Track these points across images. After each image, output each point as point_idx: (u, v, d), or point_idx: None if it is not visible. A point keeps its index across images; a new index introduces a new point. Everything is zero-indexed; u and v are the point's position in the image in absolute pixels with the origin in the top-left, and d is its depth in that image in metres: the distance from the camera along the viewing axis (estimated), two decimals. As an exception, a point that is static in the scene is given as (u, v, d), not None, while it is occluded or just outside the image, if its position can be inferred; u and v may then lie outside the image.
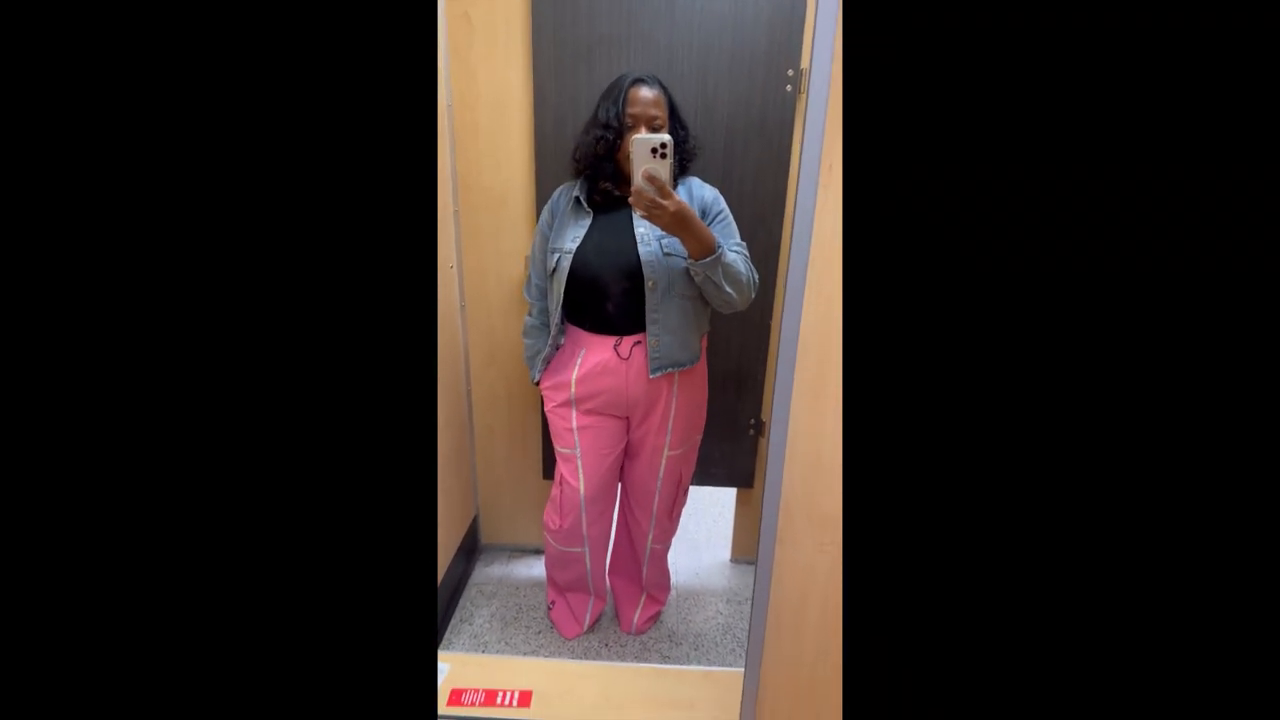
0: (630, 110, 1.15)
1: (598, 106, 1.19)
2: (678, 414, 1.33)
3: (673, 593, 1.75)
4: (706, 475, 1.73)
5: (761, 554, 0.81)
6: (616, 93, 1.16)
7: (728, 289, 1.15)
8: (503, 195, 1.52)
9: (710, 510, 2.16)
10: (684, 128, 1.23)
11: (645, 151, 1.01)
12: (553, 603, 1.59)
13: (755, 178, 1.46)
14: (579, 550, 1.44)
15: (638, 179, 1.02)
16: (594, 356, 1.26)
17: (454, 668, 1.00)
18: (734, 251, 1.17)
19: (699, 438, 1.41)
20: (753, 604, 0.87)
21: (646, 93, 1.16)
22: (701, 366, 1.34)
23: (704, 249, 1.10)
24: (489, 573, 1.80)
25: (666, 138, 1.01)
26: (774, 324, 1.59)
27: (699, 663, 1.52)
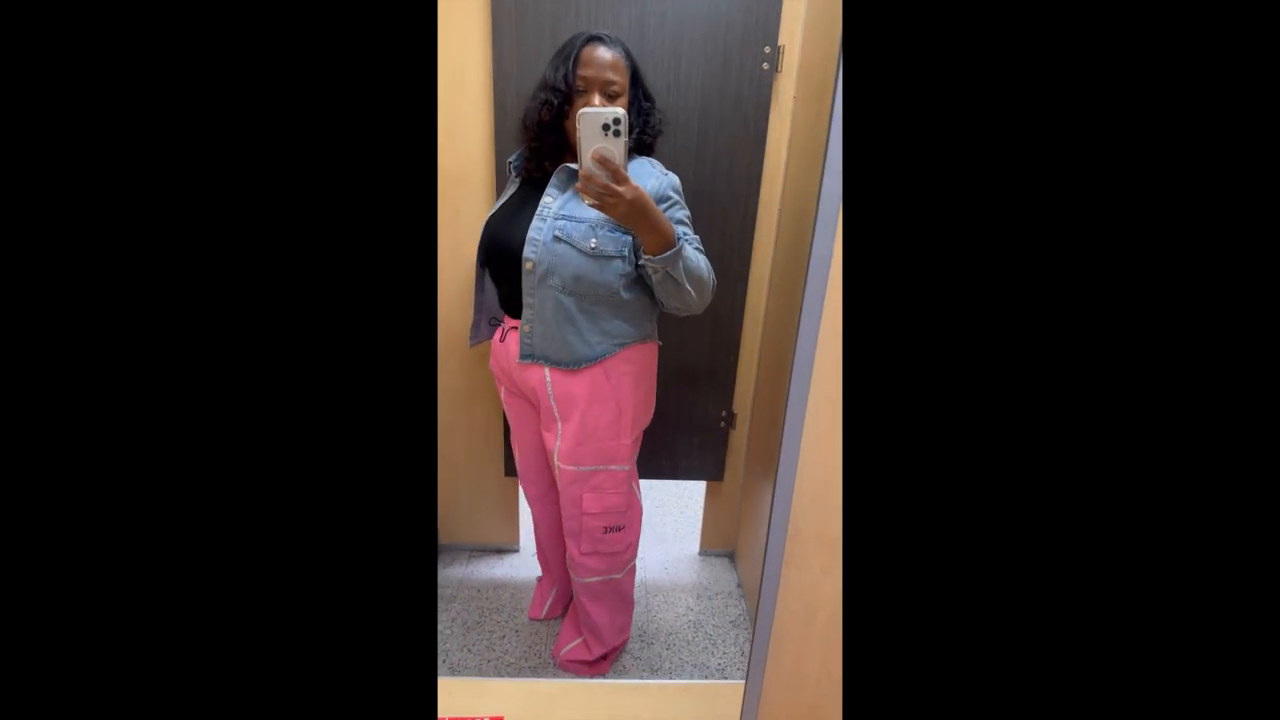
0: (582, 72, 0.99)
1: (548, 67, 1.03)
2: (564, 419, 1.15)
3: (642, 589, 1.71)
4: (677, 469, 1.68)
5: (767, 578, 0.76)
6: (568, 51, 1.00)
7: (688, 288, 0.99)
8: (459, 175, 1.41)
9: (678, 503, 2.12)
10: (649, 99, 1.08)
11: (596, 127, 0.84)
12: (539, 579, 1.61)
13: (730, 159, 1.40)
14: (548, 505, 1.42)
15: (586, 161, 0.85)
16: (495, 334, 1.22)
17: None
18: (692, 246, 1.02)
19: (608, 470, 1.19)
20: (754, 631, 0.82)
21: (604, 53, 1.00)
22: (593, 378, 1.11)
23: (663, 242, 0.94)
24: (448, 574, 1.71)
25: (620, 111, 0.84)
26: (747, 314, 1.54)
27: (671, 662, 1.49)
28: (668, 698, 0.96)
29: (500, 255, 1.08)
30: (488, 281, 1.22)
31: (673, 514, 2.06)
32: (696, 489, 2.12)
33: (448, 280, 1.49)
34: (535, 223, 1.03)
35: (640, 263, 1.00)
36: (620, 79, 1.01)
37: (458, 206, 1.44)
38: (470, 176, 1.42)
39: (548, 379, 1.13)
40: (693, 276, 0.99)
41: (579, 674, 1.40)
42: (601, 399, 1.13)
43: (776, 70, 1.34)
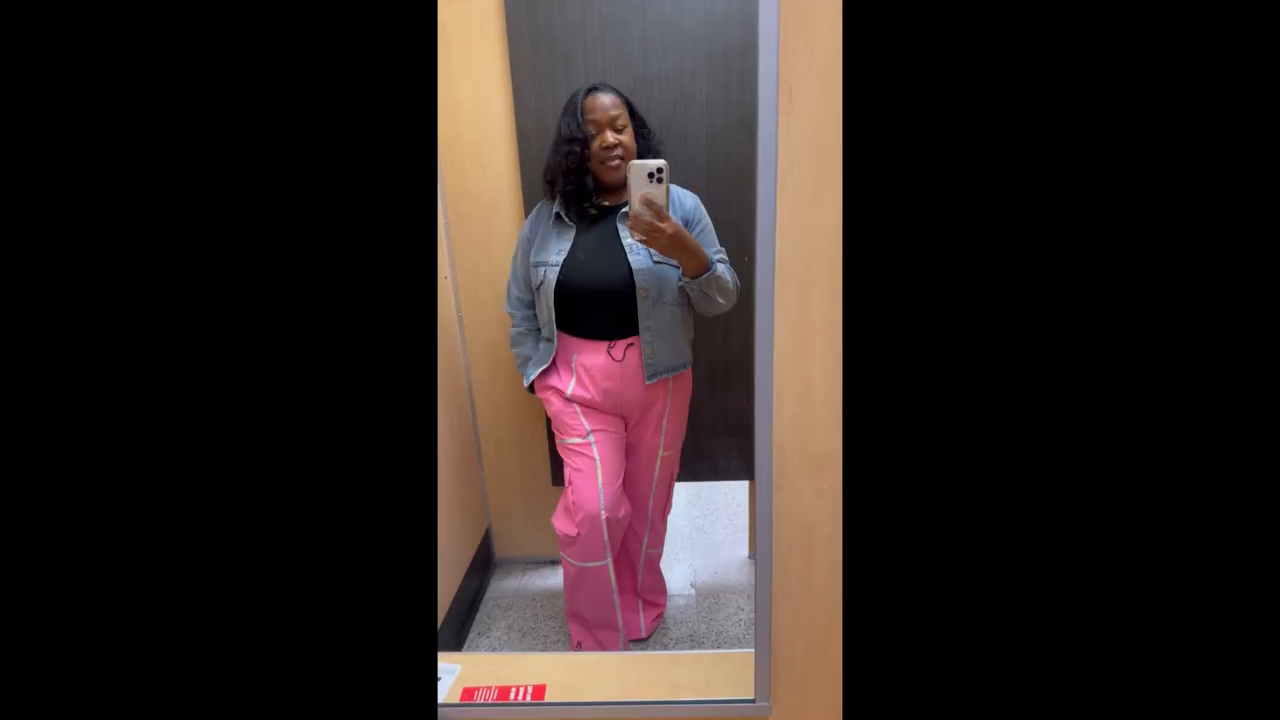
0: (590, 118, 1.19)
1: (559, 124, 1.23)
2: (671, 415, 1.36)
3: (693, 591, 1.72)
4: (718, 470, 1.71)
5: (759, 505, 0.79)
6: (573, 106, 1.20)
7: (719, 299, 1.22)
8: (492, 202, 1.54)
9: (727, 508, 2.13)
10: (646, 128, 1.26)
11: (642, 176, 1.05)
12: (579, 644, 1.44)
13: (738, 172, 1.47)
14: (602, 563, 1.31)
15: (635, 204, 1.06)
16: (587, 359, 1.28)
17: (466, 667, 0.98)
18: (719, 260, 1.22)
19: (682, 439, 1.44)
20: (756, 562, 0.85)
21: (603, 98, 1.19)
22: (690, 369, 1.37)
23: (699, 266, 1.16)
24: (504, 586, 1.77)
25: (662, 162, 1.04)
26: (771, 310, 1.58)
27: (723, 660, 1.49)
28: (703, 665, 0.98)
29: (599, 292, 1.23)
30: (555, 330, 1.30)
31: (720, 519, 2.07)
32: (740, 492, 2.12)
33: (486, 300, 1.60)
34: (632, 257, 1.22)
35: (680, 283, 1.23)
36: (622, 114, 1.20)
37: (492, 233, 1.56)
38: (500, 203, 1.54)
39: (670, 388, 1.33)
40: (723, 289, 1.21)
41: (650, 629, 1.59)
42: (690, 382, 1.40)
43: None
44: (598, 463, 1.31)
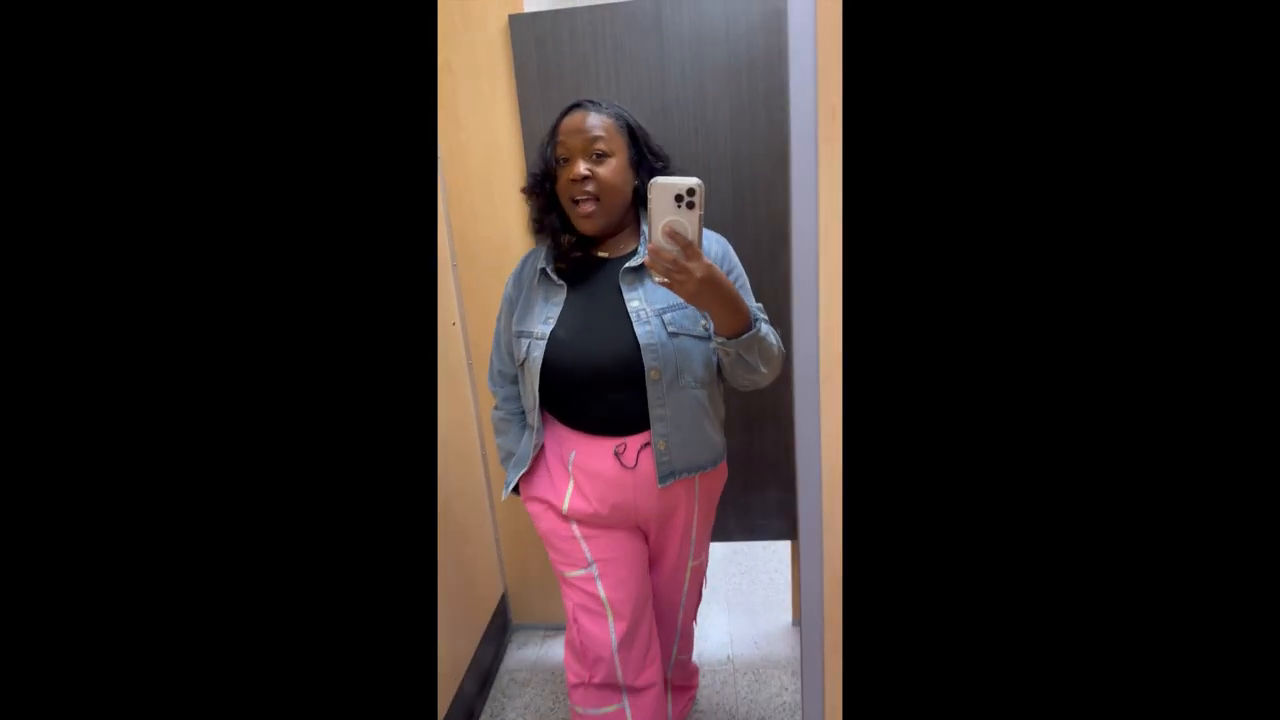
0: (561, 140, 0.91)
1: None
2: (701, 521, 1.07)
3: (731, 665, 1.54)
4: (757, 529, 1.54)
5: (806, 569, 0.64)
6: (551, 127, 0.94)
7: (761, 368, 0.91)
8: (502, 242, 1.44)
9: (765, 568, 1.95)
10: (660, 158, 0.98)
11: (668, 199, 0.79)
12: None
13: (768, 198, 1.34)
14: (617, 708, 1.05)
15: (657, 235, 0.79)
16: (589, 462, 0.98)
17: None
18: (762, 319, 0.92)
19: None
20: (803, 634, 0.69)
21: (584, 118, 0.91)
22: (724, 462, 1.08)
23: (738, 322, 0.84)
24: (522, 656, 1.63)
25: (695, 181, 0.77)
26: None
27: (765, 752, 1.31)
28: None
29: (597, 373, 0.93)
30: (540, 418, 1.02)
31: (761, 581, 1.89)
32: (783, 551, 1.94)
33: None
34: (639, 328, 0.91)
35: (715, 344, 0.92)
36: (608, 138, 0.91)
37: (502, 277, 1.46)
38: (511, 244, 1.44)
39: (696, 491, 1.02)
40: (767, 355, 0.90)
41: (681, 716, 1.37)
42: (723, 473, 1.09)
43: (807, 97, 1.29)
44: (607, 607, 1.01)
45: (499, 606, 1.64)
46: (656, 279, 0.81)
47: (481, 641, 1.50)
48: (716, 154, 1.33)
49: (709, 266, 0.79)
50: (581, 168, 0.90)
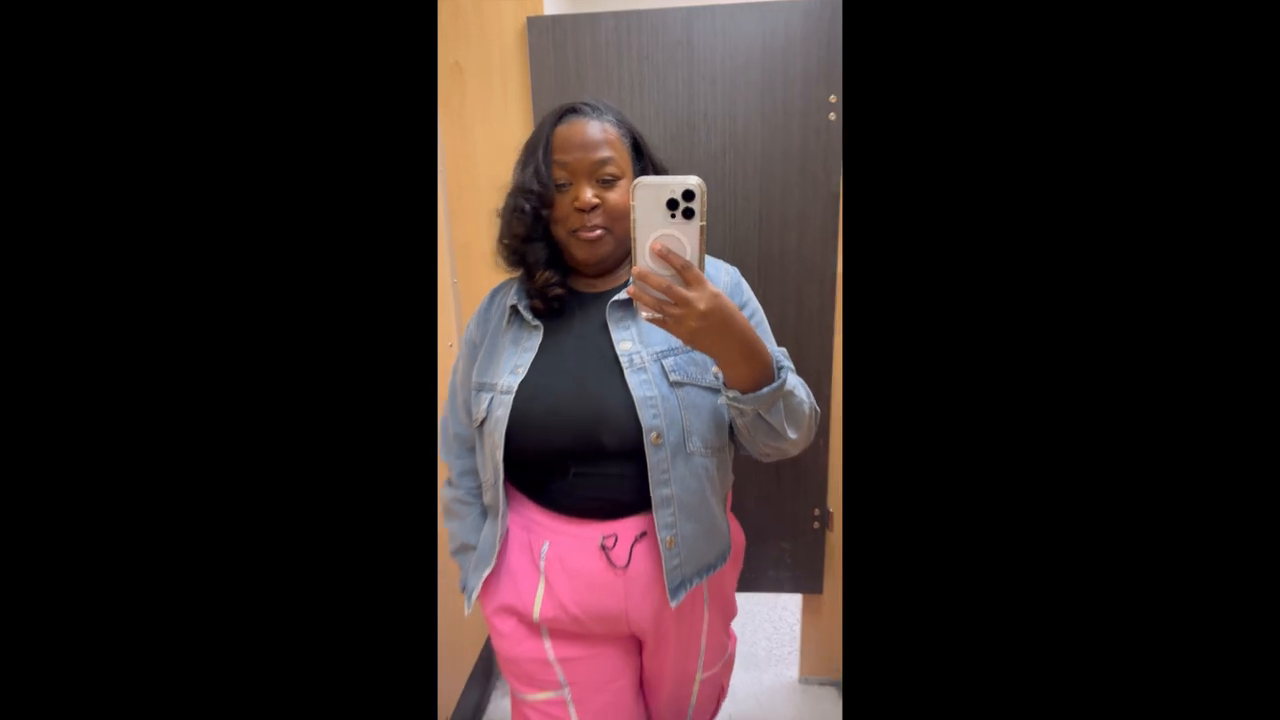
0: (559, 158, 0.72)
1: (518, 160, 0.77)
2: (713, 626, 0.84)
3: (730, 730, 1.42)
4: (766, 580, 1.43)
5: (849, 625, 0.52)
6: (538, 138, 0.74)
7: (789, 433, 0.69)
8: (508, 262, 1.34)
9: (770, 618, 1.83)
10: (659, 170, 0.79)
11: (656, 206, 0.59)
12: None
13: (800, 229, 1.24)
14: None
15: (643, 256, 0.60)
16: (566, 558, 0.74)
17: None
18: (787, 368, 0.71)
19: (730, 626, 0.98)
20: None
21: (586, 129, 0.72)
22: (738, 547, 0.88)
23: (759, 371, 0.64)
24: (505, 706, 1.51)
25: (694, 180, 0.58)
26: (835, 395, 1.32)
27: (768, 835, 1.19)
28: None
29: (579, 439, 0.71)
30: (504, 497, 0.77)
31: (765, 632, 1.76)
32: (792, 602, 1.82)
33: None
34: (632, 376, 0.71)
35: (721, 401, 0.72)
36: (617, 156, 0.73)
37: (507, 295, 1.36)
38: (518, 262, 1.33)
39: (706, 595, 0.81)
40: (794, 415, 0.69)
41: None
42: (737, 562, 0.88)
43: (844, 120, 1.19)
44: (572, 712, 0.78)
45: (484, 650, 1.52)
46: (645, 314, 0.61)
47: (465, 688, 1.38)
48: (745, 176, 1.23)
49: (715, 295, 0.59)
50: (589, 195, 0.71)
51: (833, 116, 1.19)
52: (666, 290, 0.58)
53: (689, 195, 0.59)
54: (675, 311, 0.59)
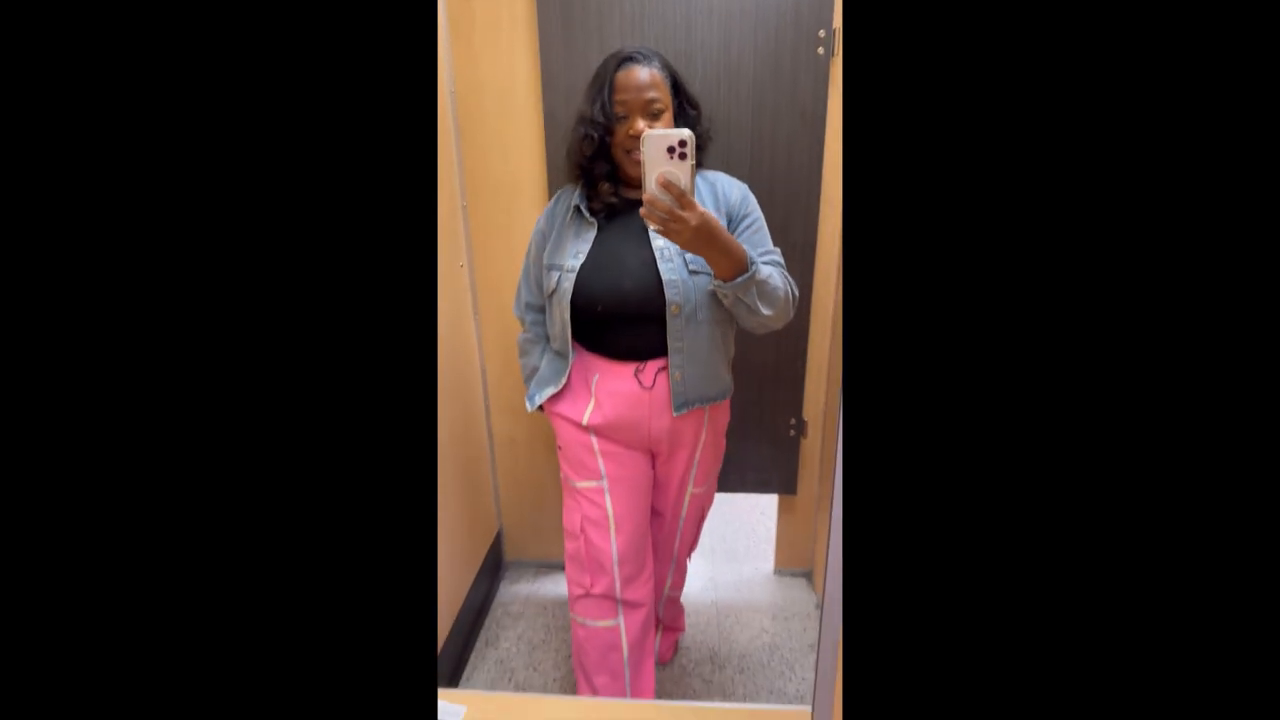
0: (619, 97, 0.96)
1: (585, 96, 1.00)
2: (705, 450, 1.16)
3: (714, 608, 1.62)
4: (745, 481, 1.60)
5: (829, 595, 0.68)
6: (603, 78, 0.98)
7: (763, 310, 0.96)
8: (514, 185, 1.42)
9: (749, 516, 2.02)
10: (694, 107, 1.03)
11: (660, 151, 0.82)
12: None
13: (788, 152, 1.33)
14: (613, 623, 1.13)
15: (650, 185, 0.83)
16: (610, 384, 1.06)
17: (471, 709, 0.88)
18: (768, 263, 0.99)
19: (717, 471, 1.26)
20: (818, 655, 0.73)
21: (639, 73, 0.96)
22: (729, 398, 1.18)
23: (734, 267, 0.91)
24: (515, 591, 1.69)
25: (686, 133, 0.81)
26: (814, 314, 1.45)
27: (745, 687, 1.39)
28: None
29: (623, 306, 1.00)
30: (570, 345, 1.08)
31: (745, 530, 1.96)
32: (769, 503, 2.01)
33: (504, 289, 1.49)
34: (662, 264, 0.98)
35: (711, 287, 0.99)
36: (661, 95, 0.97)
37: (513, 219, 1.45)
38: (523, 186, 1.42)
39: (705, 421, 1.12)
40: (769, 297, 0.96)
41: (668, 655, 1.48)
42: (728, 409, 1.19)
43: (833, 54, 1.27)
44: (611, 520, 1.10)
45: (494, 544, 1.69)
46: (653, 228, 0.86)
47: (477, 577, 1.55)
48: (738, 105, 1.31)
49: (703, 215, 0.84)
50: (641, 125, 0.95)
51: (821, 51, 1.26)
52: (669, 212, 0.83)
53: (683, 143, 0.82)
54: (675, 226, 0.84)
